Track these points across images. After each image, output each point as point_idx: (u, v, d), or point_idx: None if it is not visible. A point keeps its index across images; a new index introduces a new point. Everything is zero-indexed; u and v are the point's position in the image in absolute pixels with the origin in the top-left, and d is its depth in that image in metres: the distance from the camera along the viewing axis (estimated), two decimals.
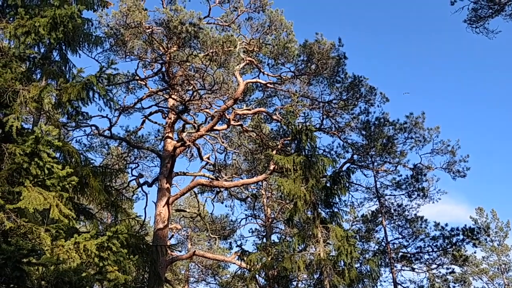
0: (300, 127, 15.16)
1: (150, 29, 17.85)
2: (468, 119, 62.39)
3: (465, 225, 22.76)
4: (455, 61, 69.98)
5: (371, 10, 75.37)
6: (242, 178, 24.73)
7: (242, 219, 29.64)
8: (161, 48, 18.41)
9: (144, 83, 20.13)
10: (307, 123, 15.23)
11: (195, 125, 20.02)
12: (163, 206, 17.86)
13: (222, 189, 23.66)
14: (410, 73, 70.15)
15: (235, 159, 24.94)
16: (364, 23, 73.44)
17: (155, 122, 21.66)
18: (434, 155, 21.82)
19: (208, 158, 22.12)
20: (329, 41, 18.60)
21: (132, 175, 21.36)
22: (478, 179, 58.09)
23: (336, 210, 14.52)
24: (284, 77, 19.80)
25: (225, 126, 20.40)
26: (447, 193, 23.42)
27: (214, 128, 19.54)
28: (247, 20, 19.78)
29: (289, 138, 18.02)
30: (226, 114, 19.49)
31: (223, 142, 22.97)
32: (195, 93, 19.39)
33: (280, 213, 27.40)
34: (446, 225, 23.21)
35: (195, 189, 23.16)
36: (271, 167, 18.67)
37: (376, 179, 23.66)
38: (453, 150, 21.54)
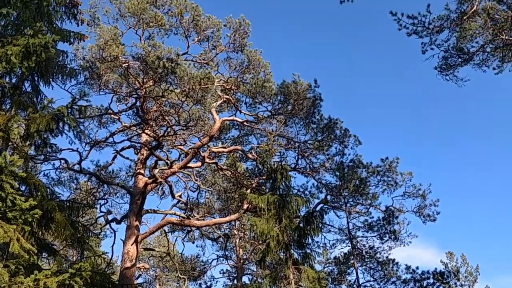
0: (275, 166, 15.11)
1: (127, 64, 17.76)
2: (441, 164, 63.52)
3: (436, 268, 22.78)
4: (430, 107, 71.87)
5: (345, 54, 77.47)
6: (214, 217, 24.30)
7: (213, 259, 28.99)
8: (136, 82, 18.29)
9: (117, 117, 19.83)
10: (283, 163, 15.21)
11: (168, 161, 19.72)
12: (132, 244, 17.30)
13: (193, 228, 23.14)
14: (385, 118, 71.64)
15: (208, 198, 24.57)
16: (339, 66, 75.22)
17: (127, 158, 21.26)
18: (405, 198, 21.99)
19: (180, 196, 21.70)
20: (306, 82, 18.86)
21: (101, 211, 20.72)
22: (447, 223, 58.74)
23: (308, 251, 14.34)
24: (261, 116, 19.85)
25: (199, 163, 20.16)
26: (417, 236, 23.46)
27: (188, 165, 19.28)
28: (225, 59, 19.96)
29: (264, 177, 17.89)
30: (200, 152, 19.29)
31: (196, 180, 22.62)
32: (169, 129, 19.18)
33: (252, 254, 26.88)
34: (417, 268, 23.14)
35: (166, 228, 22.59)
36: (245, 206, 18.41)
37: (349, 220, 23.58)
38: (424, 194, 21.75)
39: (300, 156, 20.25)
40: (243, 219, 20.64)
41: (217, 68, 19.78)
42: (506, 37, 17.62)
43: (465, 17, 16.50)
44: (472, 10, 15.96)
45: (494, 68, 19.74)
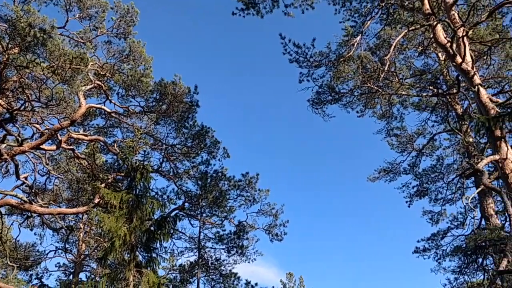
0: (136, 164, 14.62)
1: None
2: (292, 185, 67.00)
3: (273, 287, 23.85)
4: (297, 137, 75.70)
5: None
6: (60, 207, 22.68)
7: (50, 251, 26.91)
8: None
9: None
10: (145, 162, 14.77)
11: (19, 138, 17.94)
12: None
13: (34, 215, 21.27)
14: (252, 133, 73.78)
15: (57, 185, 22.83)
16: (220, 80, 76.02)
17: None
18: (259, 215, 22.77)
19: (26, 178, 19.85)
20: (186, 86, 18.68)
21: None
22: (291, 245, 62.00)
23: (154, 255, 14.11)
24: (132, 110, 19.14)
25: (54, 147, 18.71)
26: (263, 255, 24.34)
27: (41, 147, 17.77)
28: (105, 43, 18.93)
29: (122, 174, 17.21)
30: (58, 135, 17.92)
31: (47, 164, 20.90)
32: (27, 104, 17.48)
33: (95, 250, 25.55)
34: (256, 284, 23.96)
35: (2, 209, 20.45)
36: (96, 201, 17.51)
37: (201, 230, 23.70)
38: (277, 214, 22.74)
39: (165, 159, 19.91)
40: (92, 213, 19.52)
41: (94, 50, 18.67)
42: (372, 86, 19.45)
43: (341, 60, 17.82)
44: (349, 54, 17.28)
45: (357, 112, 21.71)
